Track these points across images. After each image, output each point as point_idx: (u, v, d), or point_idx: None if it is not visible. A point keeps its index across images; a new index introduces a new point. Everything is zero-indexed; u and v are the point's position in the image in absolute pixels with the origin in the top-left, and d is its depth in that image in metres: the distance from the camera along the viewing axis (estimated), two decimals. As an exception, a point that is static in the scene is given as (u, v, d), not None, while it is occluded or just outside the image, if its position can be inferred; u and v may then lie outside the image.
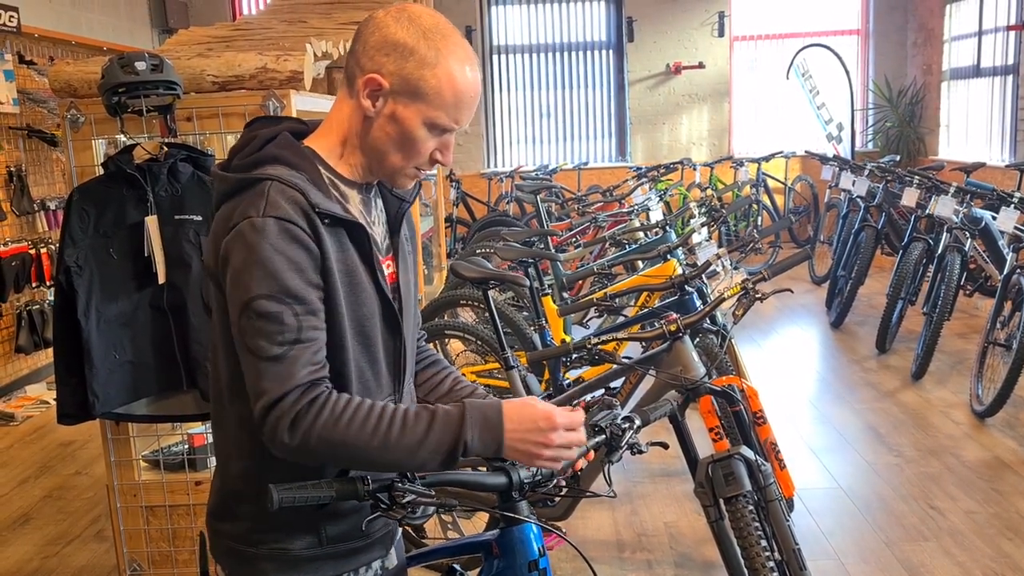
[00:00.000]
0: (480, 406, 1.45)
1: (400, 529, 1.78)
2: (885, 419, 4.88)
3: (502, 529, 1.66)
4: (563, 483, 1.66)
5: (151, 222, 2.86)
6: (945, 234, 5.56)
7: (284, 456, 1.43)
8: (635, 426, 1.75)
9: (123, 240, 2.88)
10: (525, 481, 1.56)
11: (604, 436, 1.68)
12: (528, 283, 4.09)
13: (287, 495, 1.37)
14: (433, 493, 1.45)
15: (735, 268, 3.94)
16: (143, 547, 3.21)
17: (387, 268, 1.58)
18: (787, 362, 6.06)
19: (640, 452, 1.74)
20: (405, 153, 1.50)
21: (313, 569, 1.56)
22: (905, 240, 5.87)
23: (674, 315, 2.96)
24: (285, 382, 1.39)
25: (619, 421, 1.72)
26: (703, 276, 3.78)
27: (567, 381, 4.20)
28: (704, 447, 2.87)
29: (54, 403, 3.53)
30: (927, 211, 5.76)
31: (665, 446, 1.98)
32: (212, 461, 3.13)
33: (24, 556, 3.81)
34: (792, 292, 3.14)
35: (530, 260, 4.37)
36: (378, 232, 1.59)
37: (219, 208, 1.49)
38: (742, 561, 2.49)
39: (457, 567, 1.81)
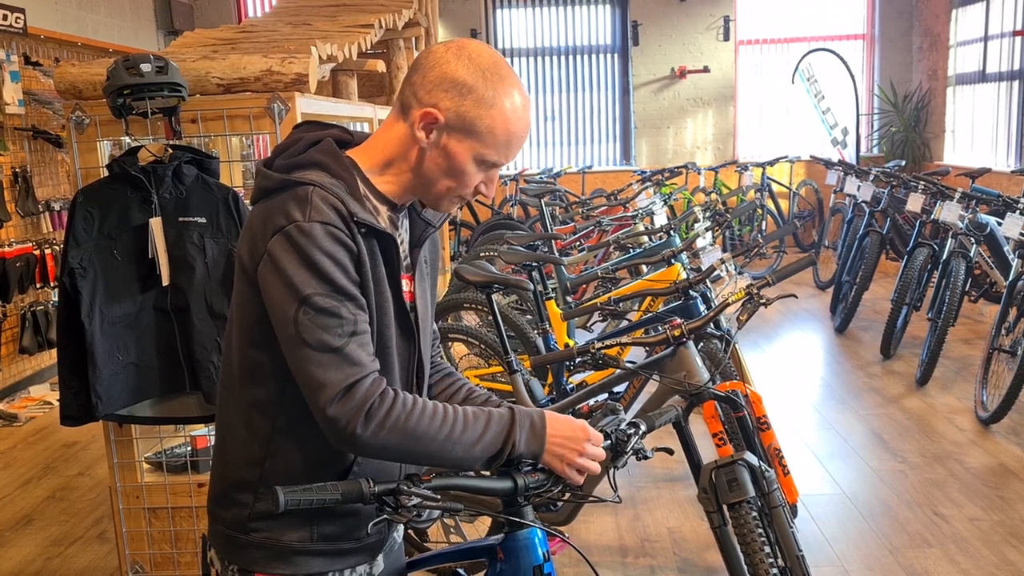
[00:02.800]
0: (527, 412, 1.55)
1: (397, 537, 1.78)
2: (889, 425, 4.86)
3: (507, 534, 1.65)
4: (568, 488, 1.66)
5: (155, 224, 2.86)
6: (950, 240, 5.55)
7: (346, 447, 1.46)
8: (640, 432, 1.74)
9: (127, 242, 2.88)
10: (531, 486, 1.56)
11: (610, 441, 1.68)
12: (532, 287, 4.08)
13: (292, 497, 1.36)
14: (439, 497, 1.45)
15: (739, 273, 3.93)
16: (145, 549, 3.21)
17: (405, 285, 1.62)
18: (791, 367, 6.04)
19: (646, 457, 1.74)
20: (452, 183, 1.56)
21: (299, 563, 1.59)
22: (910, 245, 5.85)
23: (678, 320, 2.95)
24: (353, 370, 1.44)
25: (624, 427, 1.72)
26: (707, 281, 3.77)
27: (570, 385, 4.20)
28: (707, 452, 2.86)
29: (57, 404, 3.53)
30: (932, 216, 5.75)
31: (670, 451, 1.97)
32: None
33: (27, 557, 3.81)
34: (796, 297, 3.15)
35: (534, 264, 4.37)
36: (401, 250, 1.63)
37: (256, 202, 1.54)
38: (745, 568, 2.48)
39: (461, 571, 1.81)
